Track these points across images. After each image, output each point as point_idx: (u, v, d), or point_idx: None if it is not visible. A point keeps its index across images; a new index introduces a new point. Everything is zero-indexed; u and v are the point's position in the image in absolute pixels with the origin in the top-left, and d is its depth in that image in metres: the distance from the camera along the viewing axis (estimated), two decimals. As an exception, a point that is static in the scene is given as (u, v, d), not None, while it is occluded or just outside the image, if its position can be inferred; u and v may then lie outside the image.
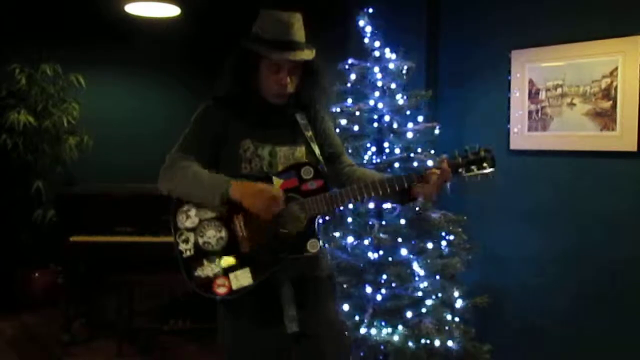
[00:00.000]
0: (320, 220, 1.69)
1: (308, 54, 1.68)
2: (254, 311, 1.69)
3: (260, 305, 1.69)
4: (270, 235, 1.63)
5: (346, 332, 1.87)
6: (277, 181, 1.64)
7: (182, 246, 1.66)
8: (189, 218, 1.67)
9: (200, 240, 1.65)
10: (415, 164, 2.76)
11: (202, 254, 1.65)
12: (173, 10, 4.11)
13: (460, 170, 1.65)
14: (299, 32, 1.69)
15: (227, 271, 1.64)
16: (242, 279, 1.62)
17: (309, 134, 1.76)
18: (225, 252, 1.64)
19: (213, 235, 1.65)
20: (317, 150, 1.75)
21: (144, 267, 3.42)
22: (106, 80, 4.92)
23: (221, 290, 1.63)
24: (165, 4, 3.98)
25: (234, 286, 1.63)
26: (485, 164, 1.65)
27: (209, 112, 1.74)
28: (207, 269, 1.64)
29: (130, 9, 4.02)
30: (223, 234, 1.65)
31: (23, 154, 4.24)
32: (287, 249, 1.64)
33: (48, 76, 4.26)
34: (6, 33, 4.37)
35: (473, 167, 1.64)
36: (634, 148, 2.67)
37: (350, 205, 2.66)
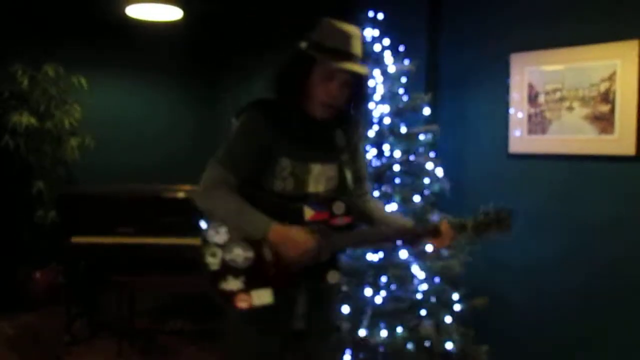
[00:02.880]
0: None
1: (363, 69, 1.68)
2: (265, 309, 1.72)
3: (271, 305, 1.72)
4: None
5: (336, 334, 1.95)
6: (309, 211, 1.68)
7: (210, 259, 1.70)
8: (218, 234, 1.70)
9: (227, 257, 1.68)
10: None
11: (228, 269, 1.68)
12: (176, 13, 4.12)
13: (474, 231, 1.76)
14: (358, 46, 1.68)
15: (249, 288, 1.67)
16: (264, 297, 1.67)
17: (345, 157, 1.77)
18: (250, 271, 1.68)
19: (240, 254, 1.68)
20: (348, 177, 1.77)
21: (145, 267, 3.43)
22: (108, 82, 4.95)
23: (243, 305, 1.67)
24: (167, 6, 3.99)
25: (255, 303, 1.67)
26: (502, 226, 1.74)
27: (255, 122, 1.69)
28: (231, 284, 1.67)
29: (133, 11, 4.02)
30: (250, 254, 1.67)
31: (25, 155, 4.26)
32: (308, 276, 1.69)
33: (50, 78, 4.27)
34: (9, 34, 4.40)
35: (491, 228, 1.75)
36: (632, 152, 2.69)
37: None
